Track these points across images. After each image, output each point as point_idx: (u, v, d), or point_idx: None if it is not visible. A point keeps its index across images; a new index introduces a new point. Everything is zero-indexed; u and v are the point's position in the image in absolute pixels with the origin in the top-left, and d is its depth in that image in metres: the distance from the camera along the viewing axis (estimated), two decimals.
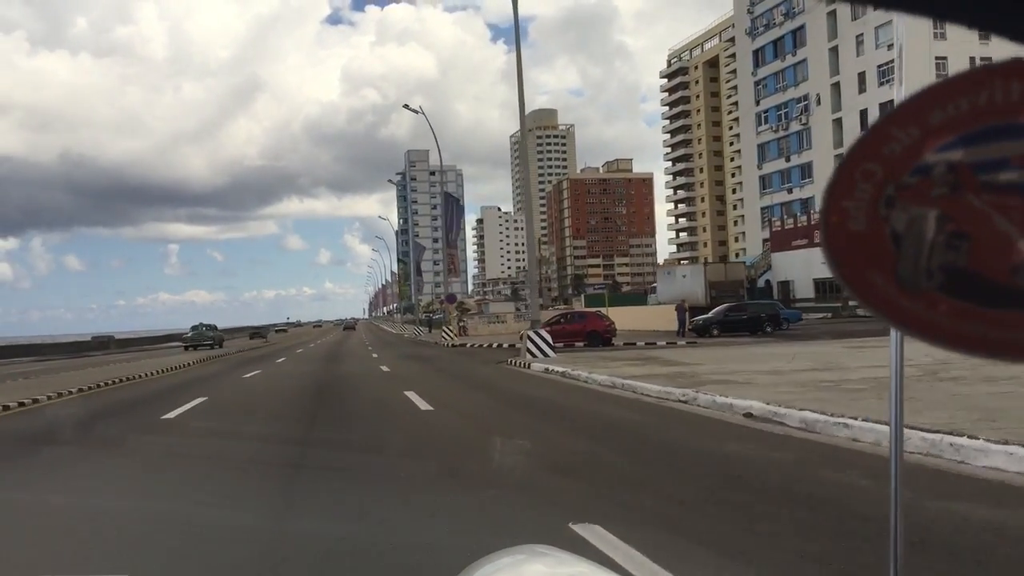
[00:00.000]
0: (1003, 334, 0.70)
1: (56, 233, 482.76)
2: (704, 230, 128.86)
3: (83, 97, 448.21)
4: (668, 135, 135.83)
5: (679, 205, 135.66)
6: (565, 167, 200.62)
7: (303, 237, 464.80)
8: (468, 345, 36.05)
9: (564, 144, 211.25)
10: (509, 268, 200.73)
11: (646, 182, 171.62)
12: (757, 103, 67.69)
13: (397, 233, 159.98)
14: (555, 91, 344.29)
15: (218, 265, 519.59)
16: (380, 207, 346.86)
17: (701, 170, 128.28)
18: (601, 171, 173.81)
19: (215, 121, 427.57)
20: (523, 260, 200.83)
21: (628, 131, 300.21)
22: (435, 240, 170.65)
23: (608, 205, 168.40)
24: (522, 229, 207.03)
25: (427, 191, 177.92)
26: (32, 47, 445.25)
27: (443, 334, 41.44)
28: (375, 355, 30.98)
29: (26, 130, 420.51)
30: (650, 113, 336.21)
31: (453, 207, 43.20)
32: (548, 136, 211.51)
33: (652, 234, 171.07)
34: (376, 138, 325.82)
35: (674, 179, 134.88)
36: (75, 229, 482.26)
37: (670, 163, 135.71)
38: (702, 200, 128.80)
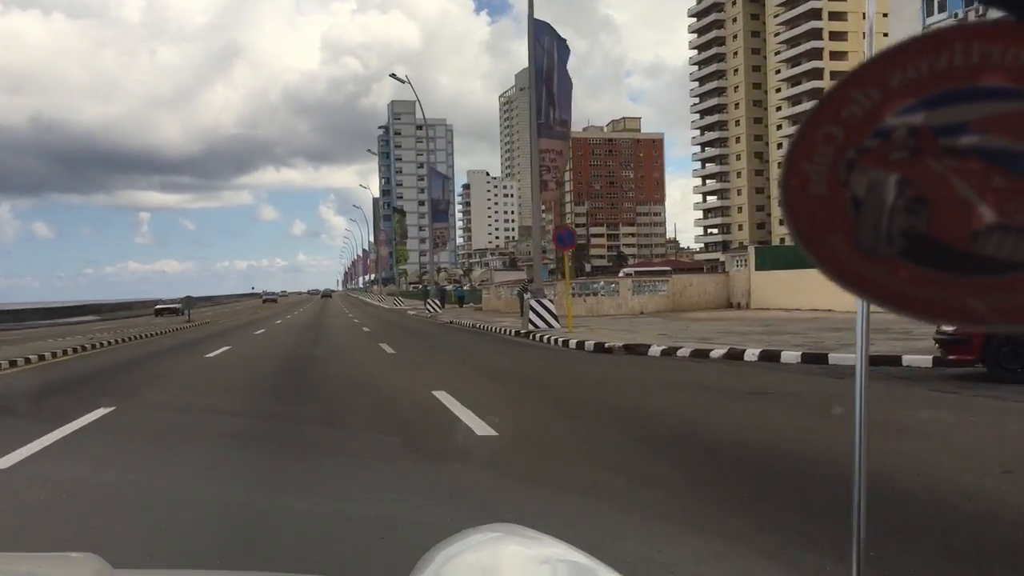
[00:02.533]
0: (962, 301, 0.66)
1: (26, 199, 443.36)
2: (739, 192, 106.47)
3: (56, 59, 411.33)
4: (696, 83, 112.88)
5: (707, 165, 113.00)
6: None
7: (278, 208, 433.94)
8: (674, 354, 13.16)
9: None
10: (498, 238, 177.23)
11: (656, 143, 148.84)
12: None
13: (375, 200, 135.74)
14: None
15: (190, 234, 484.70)
16: (358, 178, 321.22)
17: (738, 123, 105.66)
18: (605, 131, 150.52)
19: (191, 87, 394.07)
20: (513, 229, 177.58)
21: (612, 106, 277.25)
22: (421, 203, 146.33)
23: (614, 168, 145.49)
24: (512, 196, 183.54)
25: (412, 147, 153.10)
26: (4, 7, 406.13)
27: (536, 315, 18.43)
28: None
29: None
30: (635, 88, 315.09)
31: (557, 56, 20.13)
32: None
33: (661, 201, 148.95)
34: (355, 108, 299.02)
35: (702, 134, 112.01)
36: (46, 195, 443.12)
37: (698, 115, 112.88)
38: (737, 158, 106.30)
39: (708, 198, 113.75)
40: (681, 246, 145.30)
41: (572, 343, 15.24)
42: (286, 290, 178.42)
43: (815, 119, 0.70)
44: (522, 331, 18.96)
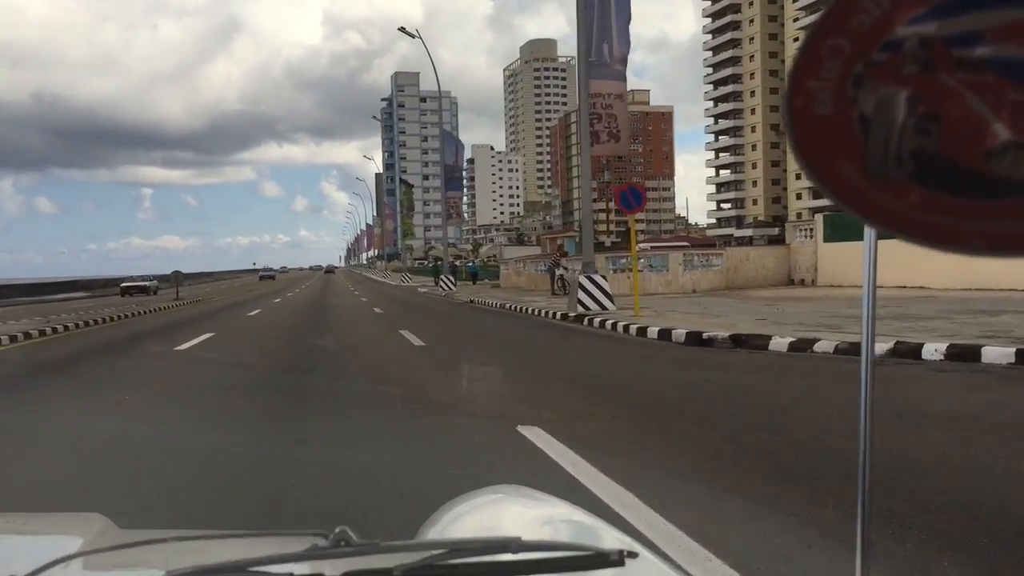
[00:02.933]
0: (974, 226, 0.62)
1: (28, 174, 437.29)
2: (754, 166, 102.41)
3: (57, 34, 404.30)
4: (709, 53, 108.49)
5: (720, 138, 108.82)
6: (565, 103, 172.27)
7: (280, 183, 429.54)
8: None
9: (564, 78, 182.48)
10: (503, 213, 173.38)
11: (665, 116, 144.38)
12: None
13: (378, 175, 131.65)
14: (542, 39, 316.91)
15: (192, 210, 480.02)
16: (359, 154, 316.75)
17: (753, 93, 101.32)
18: None
19: (193, 62, 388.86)
20: (518, 204, 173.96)
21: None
22: (425, 178, 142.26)
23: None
24: (516, 171, 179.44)
25: (416, 120, 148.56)
26: None
27: (587, 295, 14.97)
28: None
29: None
30: (639, 63, 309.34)
31: None
32: (547, 68, 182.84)
33: (671, 176, 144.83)
34: (358, 84, 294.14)
35: (716, 105, 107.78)
36: (48, 170, 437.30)
37: (711, 87, 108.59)
38: (752, 130, 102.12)
39: (721, 172, 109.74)
40: (689, 222, 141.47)
41: (652, 331, 11.71)
42: (286, 266, 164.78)
43: (821, 30, 0.63)
44: (570, 314, 15.48)
